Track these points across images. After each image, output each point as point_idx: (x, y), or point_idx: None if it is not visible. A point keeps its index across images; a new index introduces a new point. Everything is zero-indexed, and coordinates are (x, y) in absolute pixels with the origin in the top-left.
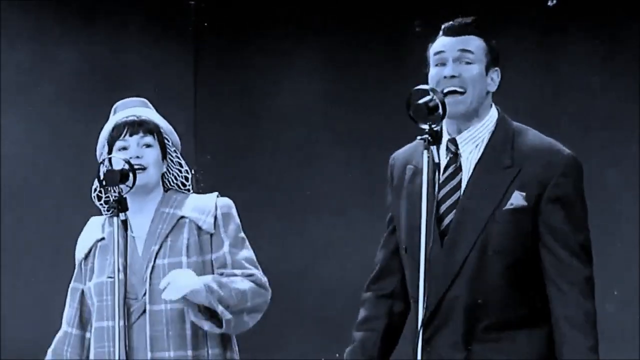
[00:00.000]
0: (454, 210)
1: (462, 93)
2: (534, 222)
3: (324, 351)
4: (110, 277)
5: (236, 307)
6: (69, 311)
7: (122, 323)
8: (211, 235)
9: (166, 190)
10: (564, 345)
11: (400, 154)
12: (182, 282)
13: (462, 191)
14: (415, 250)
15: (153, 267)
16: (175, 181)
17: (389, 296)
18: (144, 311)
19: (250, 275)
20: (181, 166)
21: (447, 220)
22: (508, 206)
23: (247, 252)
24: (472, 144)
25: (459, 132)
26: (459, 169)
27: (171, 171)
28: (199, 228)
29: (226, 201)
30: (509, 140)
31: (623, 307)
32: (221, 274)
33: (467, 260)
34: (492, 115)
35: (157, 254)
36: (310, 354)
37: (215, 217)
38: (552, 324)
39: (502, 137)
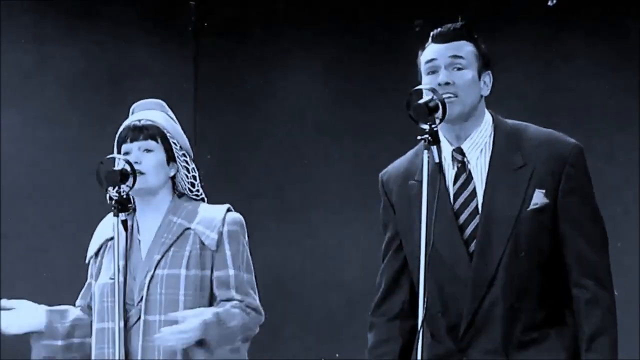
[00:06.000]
0: (476, 218)
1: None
2: (554, 217)
3: (324, 351)
4: (112, 279)
5: (230, 342)
6: (81, 301)
7: (121, 325)
8: (213, 251)
9: (179, 195)
10: (589, 342)
11: (393, 170)
12: (175, 341)
13: (479, 199)
14: (439, 265)
15: (152, 276)
16: (184, 185)
17: (398, 317)
18: (139, 318)
19: (245, 305)
20: (188, 171)
21: (469, 230)
22: (532, 206)
23: (248, 275)
24: (477, 150)
25: (459, 139)
26: (470, 177)
27: (179, 175)
28: (202, 242)
29: (235, 217)
30: (513, 139)
31: (623, 307)
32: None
33: (500, 265)
34: (487, 118)
35: (158, 263)
36: (309, 354)
37: (221, 234)
38: (576, 316)
39: (505, 137)
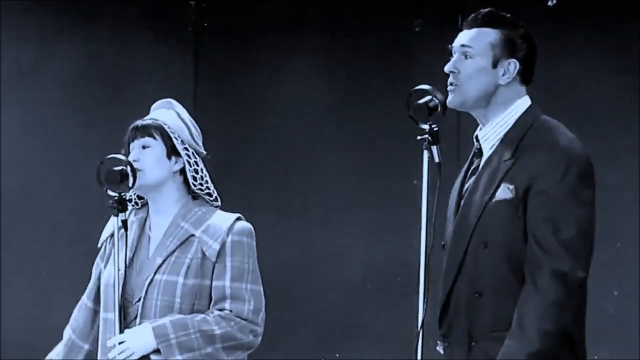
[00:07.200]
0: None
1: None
2: (523, 215)
3: (324, 351)
4: (121, 270)
5: (204, 348)
6: (90, 285)
7: (119, 319)
8: (214, 262)
9: (193, 196)
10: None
11: None
12: (136, 346)
13: None
14: (446, 245)
15: (152, 279)
16: (190, 179)
17: None
18: (136, 317)
19: (233, 314)
20: (190, 165)
21: None
22: (495, 198)
23: (253, 286)
24: (495, 137)
25: (483, 125)
26: (479, 164)
27: (185, 168)
28: (204, 252)
29: (243, 227)
30: (521, 134)
31: (623, 307)
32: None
33: (466, 253)
34: (518, 108)
35: (159, 267)
36: (310, 354)
37: (223, 244)
38: None
39: (517, 131)
